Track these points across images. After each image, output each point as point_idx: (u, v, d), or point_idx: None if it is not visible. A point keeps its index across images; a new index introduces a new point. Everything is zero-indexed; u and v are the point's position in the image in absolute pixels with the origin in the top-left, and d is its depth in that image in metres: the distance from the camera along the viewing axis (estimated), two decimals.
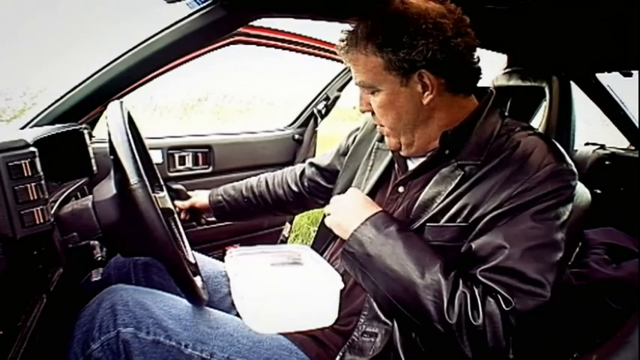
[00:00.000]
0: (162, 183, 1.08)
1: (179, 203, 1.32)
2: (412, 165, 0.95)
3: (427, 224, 0.84)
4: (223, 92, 7.95)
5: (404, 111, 0.86)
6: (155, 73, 1.29)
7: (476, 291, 0.74)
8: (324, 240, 1.10)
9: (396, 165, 0.99)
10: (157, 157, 1.71)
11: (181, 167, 1.81)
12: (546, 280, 0.73)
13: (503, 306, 0.72)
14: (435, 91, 0.84)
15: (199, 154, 1.86)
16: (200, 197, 1.34)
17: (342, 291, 0.86)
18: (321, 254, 1.04)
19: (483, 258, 0.77)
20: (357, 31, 0.85)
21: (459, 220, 0.81)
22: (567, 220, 0.79)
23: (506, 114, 0.91)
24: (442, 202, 0.83)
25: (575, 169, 0.81)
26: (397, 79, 0.83)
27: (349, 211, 0.88)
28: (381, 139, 1.05)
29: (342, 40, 0.88)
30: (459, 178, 0.83)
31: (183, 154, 1.81)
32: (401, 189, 0.94)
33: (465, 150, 0.85)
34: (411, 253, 0.79)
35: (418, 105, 0.85)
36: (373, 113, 0.91)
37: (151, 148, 1.58)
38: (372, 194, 0.99)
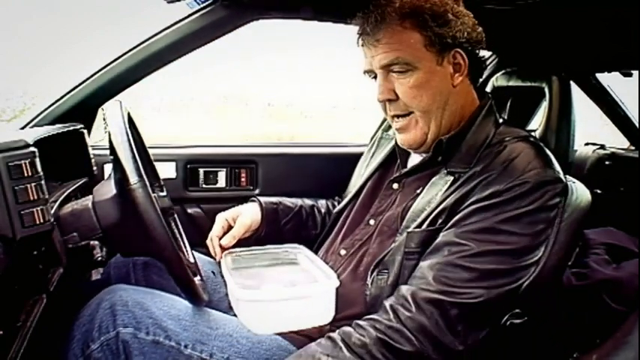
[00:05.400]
0: (162, 183, 1.08)
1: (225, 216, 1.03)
2: (411, 163, 0.96)
3: (409, 231, 0.82)
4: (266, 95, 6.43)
5: (438, 91, 0.86)
6: (154, 73, 1.29)
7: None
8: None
9: (398, 160, 0.99)
10: (168, 171, 1.42)
11: (209, 186, 1.46)
12: (490, 283, 0.74)
13: (446, 298, 0.73)
14: (465, 73, 0.87)
15: (241, 171, 1.48)
16: (249, 210, 1.06)
17: (338, 289, 0.86)
18: (316, 253, 1.04)
19: (440, 250, 0.77)
20: (392, 7, 0.84)
21: (439, 222, 0.81)
22: (546, 229, 0.78)
23: (505, 117, 0.92)
24: (430, 208, 0.83)
25: (562, 176, 0.80)
26: (434, 57, 0.85)
27: None
28: (388, 129, 1.06)
29: (368, 17, 0.85)
30: (448, 183, 0.83)
31: (213, 169, 1.46)
32: (395, 185, 0.95)
33: (456, 158, 0.86)
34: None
35: (449, 87, 0.87)
36: (391, 101, 0.88)
37: (160, 160, 1.39)
38: (366, 183, 1.01)
